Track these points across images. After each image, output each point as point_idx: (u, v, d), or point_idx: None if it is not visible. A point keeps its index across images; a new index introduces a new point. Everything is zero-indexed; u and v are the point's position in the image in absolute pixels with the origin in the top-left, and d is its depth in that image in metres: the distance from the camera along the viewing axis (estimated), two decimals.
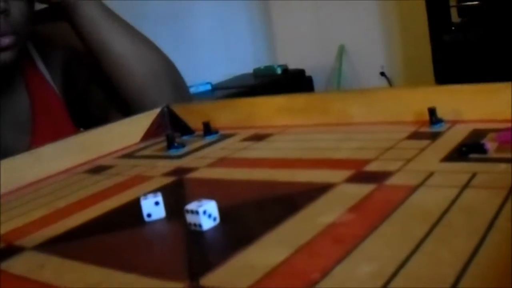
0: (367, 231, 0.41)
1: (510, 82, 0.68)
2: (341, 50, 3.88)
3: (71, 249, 0.50)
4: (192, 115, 0.93)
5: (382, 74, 3.80)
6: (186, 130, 0.91)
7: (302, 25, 3.99)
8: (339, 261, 0.37)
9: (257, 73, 3.69)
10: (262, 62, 3.85)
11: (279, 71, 3.63)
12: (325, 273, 0.35)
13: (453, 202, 0.44)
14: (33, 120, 1.14)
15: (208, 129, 0.86)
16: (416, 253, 0.36)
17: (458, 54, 2.84)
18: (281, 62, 3.86)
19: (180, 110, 0.95)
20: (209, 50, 3.57)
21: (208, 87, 3.34)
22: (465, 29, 2.82)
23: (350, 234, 0.41)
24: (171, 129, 0.92)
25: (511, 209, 0.41)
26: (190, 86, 3.07)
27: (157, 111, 0.95)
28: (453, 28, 2.86)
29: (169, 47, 1.22)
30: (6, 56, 1.00)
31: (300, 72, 3.74)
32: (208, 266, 0.40)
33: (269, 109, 0.86)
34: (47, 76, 1.18)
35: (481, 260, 0.34)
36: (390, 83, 3.76)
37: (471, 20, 2.84)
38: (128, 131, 0.92)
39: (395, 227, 0.41)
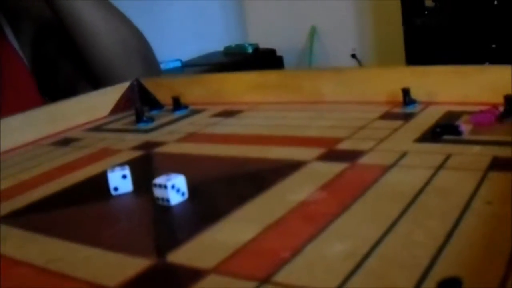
0: (339, 209, 0.40)
1: (483, 65, 0.68)
2: (313, 31, 3.86)
3: (34, 222, 0.49)
4: (162, 90, 0.91)
5: (353, 56, 3.79)
6: (155, 104, 0.89)
7: (275, 5, 3.96)
8: (310, 239, 0.36)
9: (227, 51, 3.66)
10: (233, 40, 3.83)
11: (249, 49, 3.60)
12: (295, 252, 0.34)
13: (427, 183, 0.43)
14: (0, 90, 1.11)
15: (177, 104, 0.84)
16: (390, 234, 0.35)
17: (429, 38, 2.84)
18: (252, 41, 3.83)
19: (150, 84, 0.93)
20: (179, 27, 3.54)
21: (178, 64, 3.31)
22: (438, 13, 2.82)
23: (321, 212, 0.40)
24: (140, 103, 0.91)
25: (487, 191, 0.40)
26: (160, 63, 3.06)
27: (126, 84, 0.94)
28: (426, 12, 2.86)
29: (139, 23, 1.20)
30: None
31: (271, 52, 3.72)
32: (175, 242, 0.39)
33: (240, 85, 0.84)
34: (16, 46, 1.16)
35: (456, 242, 0.33)
36: (360, 65, 3.76)
37: (443, 4, 2.84)
38: (97, 104, 0.90)
39: (368, 206, 0.40)
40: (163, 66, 3.12)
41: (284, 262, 0.33)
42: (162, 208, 0.46)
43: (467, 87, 0.67)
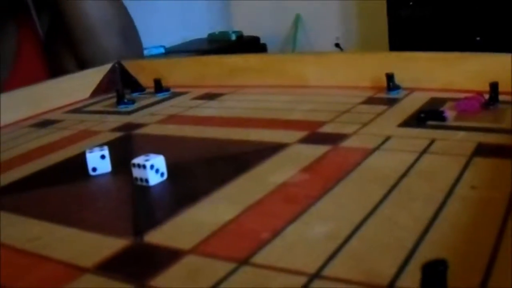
0: (321, 192, 0.39)
1: (468, 53, 0.68)
2: (297, 19, 3.86)
3: (12, 202, 0.48)
4: (143, 72, 0.90)
5: (337, 45, 3.79)
6: (137, 86, 0.88)
7: None
8: (291, 221, 0.35)
9: (211, 38, 3.65)
10: (217, 28, 3.81)
11: (233, 37, 3.59)
12: (275, 233, 0.34)
13: (411, 166, 0.42)
14: (15, 63, 1.14)
15: (159, 86, 0.83)
16: (373, 216, 0.34)
17: (414, 29, 2.84)
18: (236, 28, 3.82)
19: (131, 67, 0.92)
20: (163, 13, 3.52)
21: (161, 50, 3.30)
22: (423, 4, 2.82)
23: (303, 194, 0.39)
24: (121, 86, 0.89)
25: (472, 176, 0.39)
26: (143, 49, 3.05)
27: (108, 66, 0.93)
28: (410, 3, 2.86)
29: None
30: None
31: (255, 39, 3.71)
32: (153, 222, 0.38)
33: (223, 68, 0.83)
34: (37, 24, 1.19)
35: (441, 225, 0.32)
36: (343, 49, 3.76)
37: None
38: (77, 86, 0.89)
39: (351, 189, 0.40)
40: (146, 53, 3.11)
41: (264, 243, 0.33)
42: (141, 188, 0.45)
43: (452, 74, 0.67)
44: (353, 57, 0.75)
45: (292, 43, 3.80)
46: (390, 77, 0.68)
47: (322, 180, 0.41)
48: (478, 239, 0.31)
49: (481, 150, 0.45)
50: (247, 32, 3.72)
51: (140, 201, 0.44)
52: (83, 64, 1.06)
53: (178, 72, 0.87)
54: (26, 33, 1.16)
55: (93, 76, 0.92)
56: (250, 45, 3.63)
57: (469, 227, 0.32)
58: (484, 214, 0.34)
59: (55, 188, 0.50)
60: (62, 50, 1.15)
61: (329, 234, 0.33)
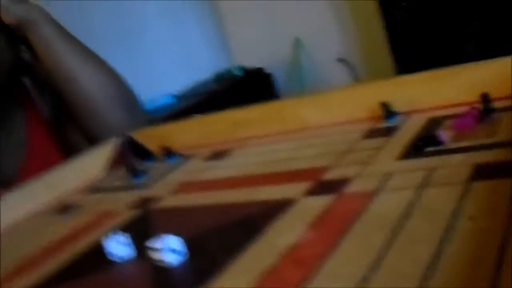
0: (328, 248, 0.41)
1: (457, 66, 0.69)
2: (297, 43, 3.88)
3: None
4: (151, 140, 0.92)
5: (341, 59, 3.81)
6: (147, 155, 0.90)
7: (255, 24, 3.99)
8: (301, 284, 0.37)
9: (217, 78, 3.69)
10: (221, 64, 3.85)
11: (239, 72, 3.63)
12: None
13: (411, 205, 0.44)
14: (28, 150, 1.17)
15: (168, 153, 0.85)
16: (378, 268, 0.36)
17: (411, 28, 2.86)
18: (240, 62, 3.86)
19: (139, 136, 0.94)
20: (167, 62, 3.56)
21: (171, 99, 3.33)
22: (416, 1, 2.84)
23: (311, 254, 0.41)
24: (132, 156, 0.92)
25: (470, 205, 0.41)
26: (154, 100, 3.08)
27: (116, 140, 0.95)
28: (403, 3, 2.87)
29: (125, 64, 1.23)
30: None
31: (260, 71, 3.74)
32: None
33: (226, 124, 0.85)
34: (42, 106, 1.22)
35: (442, 265, 0.34)
36: (349, 67, 3.78)
37: None
38: (90, 164, 0.92)
39: (355, 240, 0.41)
40: (156, 103, 3.14)
41: None
42: (162, 270, 0.47)
43: (445, 91, 0.68)
44: (347, 90, 0.77)
45: (297, 68, 3.83)
46: (385, 105, 0.70)
47: (328, 235, 0.43)
48: (476, 274, 0.32)
49: (479, 173, 0.47)
50: (251, 63, 3.76)
51: (162, 283, 0.45)
52: (91, 141, 1.09)
53: (183, 134, 0.90)
54: (32, 117, 1.19)
55: (103, 153, 0.94)
56: (256, 77, 3.67)
57: (467, 263, 0.34)
58: (482, 245, 0.35)
59: (79, 281, 0.52)
60: (69, 129, 1.17)
61: None
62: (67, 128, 1.18)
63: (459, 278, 0.32)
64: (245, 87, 3.52)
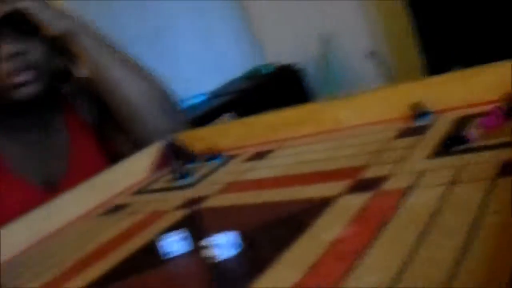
0: (366, 243, 0.45)
1: (483, 65, 0.73)
2: (326, 38, 3.91)
3: None
4: (194, 142, 0.97)
5: (370, 54, 3.84)
6: (190, 157, 0.95)
7: (284, 20, 4.02)
8: (343, 277, 0.41)
9: (247, 75, 3.73)
10: (251, 62, 3.89)
11: (269, 70, 3.67)
12: None
13: (442, 200, 0.48)
14: (70, 155, 1.22)
15: (211, 154, 0.90)
16: (412, 260, 0.40)
17: (438, 18, 2.88)
18: (270, 59, 3.89)
19: (182, 139, 0.99)
20: (198, 61, 3.61)
21: (203, 97, 3.38)
22: None
23: (351, 249, 0.45)
24: (175, 159, 0.97)
25: (496, 200, 0.45)
26: (185, 100, 3.12)
27: (159, 144, 1.00)
28: None
29: (156, 64, 1.28)
30: (28, 90, 1.11)
31: (289, 67, 3.78)
32: None
33: (265, 126, 0.90)
34: (82, 114, 1.28)
35: (470, 258, 0.38)
36: (379, 60, 3.80)
37: None
38: (136, 167, 0.97)
39: (391, 235, 0.46)
40: (189, 103, 3.19)
41: None
42: (214, 266, 0.52)
43: (472, 90, 0.72)
44: (380, 92, 0.81)
45: (326, 63, 3.85)
46: (416, 106, 0.74)
47: (367, 230, 0.47)
48: (500, 266, 0.36)
49: (505, 170, 0.51)
50: (280, 60, 3.78)
51: (216, 278, 0.50)
52: (136, 145, 1.14)
53: (224, 136, 0.94)
54: (72, 122, 1.26)
55: (148, 155, 0.99)
56: (286, 73, 3.69)
57: (492, 255, 0.38)
58: (504, 239, 0.39)
59: (137, 277, 0.57)
60: (114, 134, 1.23)
61: (376, 283, 0.39)
62: (116, 138, 1.24)
63: (484, 270, 0.36)
64: (275, 84, 3.56)
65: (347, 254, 0.45)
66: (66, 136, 1.23)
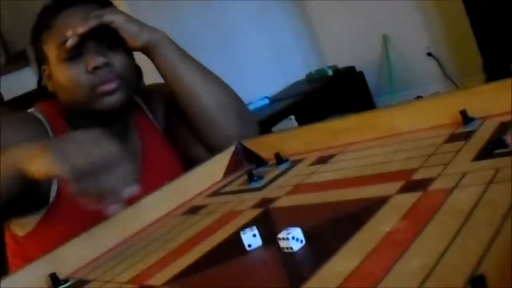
0: (416, 234, 0.54)
1: None
2: (386, 39, 3.97)
3: (190, 284, 0.66)
4: (262, 147, 1.07)
5: (429, 54, 3.89)
6: (260, 162, 1.05)
7: (344, 23, 4.09)
8: (396, 260, 0.51)
9: (309, 78, 3.79)
10: (313, 65, 3.95)
11: (330, 72, 3.73)
12: (387, 272, 0.49)
13: (480, 198, 0.57)
14: (143, 157, 1.32)
15: (279, 159, 1.00)
16: (451, 246, 0.50)
17: (495, 21, 2.92)
18: (330, 62, 3.97)
19: (251, 144, 1.09)
20: (261, 65, 3.69)
21: (266, 101, 3.47)
22: None
23: (403, 238, 0.55)
24: (246, 163, 1.07)
25: None
26: (249, 103, 3.22)
27: (232, 149, 1.10)
28: None
29: (220, 68, 1.36)
30: (115, 98, 1.20)
31: (351, 69, 3.85)
32: (302, 279, 0.55)
33: (328, 132, 0.99)
34: (152, 119, 1.38)
35: (496, 246, 0.47)
36: (438, 61, 3.85)
37: None
38: (211, 171, 1.07)
39: (436, 227, 0.55)
40: (252, 106, 3.29)
41: (380, 280, 0.48)
42: (288, 255, 0.62)
43: None
44: (431, 101, 0.90)
45: (386, 66, 3.91)
46: (463, 113, 0.82)
47: (416, 224, 0.57)
48: None
49: None
50: (342, 63, 3.85)
51: (289, 264, 0.60)
52: (208, 148, 1.24)
53: (291, 142, 1.04)
54: (144, 128, 1.35)
55: (221, 159, 1.09)
56: (347, 76, 3.75)
57: None
58: None
59: (221, 265, 0.68)
60: (187, 138, 1.31)
61: (422, 266, 0.48)
62: (184, 137, 1.33)
63: (508, 255, 0.46)
64: (337, 86, 3.63)
65: (400, 242, 0.54)
66: (139, 142, 1.33)
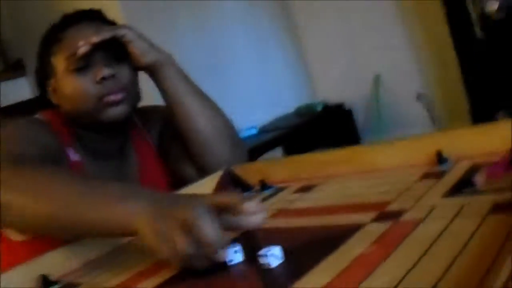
0: (384, 256, 0.61)
1: (500, 121, 0.87)
2: (377, 80, 4.01)
3: None
4: (249, 173, 1.13)
5: (419, 96, 3.94)
6: (245, 187, 1.10)
7: (338, 61, 4.13)
8: (364, 279, 0.57)
9: (298, 112, 3.82)
10: (303, 99, 3.98)
11: (319, 108, 3.76)
12: None
13: (444, 229, 0.64)
14: (140, 173, 1.35)
15: (264, 185, 1.05)
16: (414, 268, 0.56)
17: (485, 66, 2.98)
18: (321, 97, 4.00)
19: (239, 170, 1.15)
20: (251, 95, 3.71)
21: (254, 131, 3.49)
22: (488, 42, 2.96)
23: (372, 260, 0.61)
24: (232, 187, 1.12)
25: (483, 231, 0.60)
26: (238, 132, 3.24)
27: (219, 173, 1.15)
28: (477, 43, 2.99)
29: (213, 96, 1.39)
30: (119, 109, 1.23)
31: (340, 106, 3.89)
32: None
33: (312, 163, 1.06)
34: (147, 137, 1.41)
35: (455, 269, 0.53)
36: (427, 106, 3.91)
37: (492, 34, 2.96)
38: (199, 192, 1.10)
39: (403, 252, 0.61)
40: (240, 135, 3.31)
41: None
42: (267, 270, 0.68)
43: (489, 141, 0.87)
44: (410, 141, 0.96)
45: (375, 106, 3.95)
46: (439, 154, 0.89)
47: (385, 248, 0.63)
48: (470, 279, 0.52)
49: (496, 209, 0.66)
50: (332, 98, 3.88)
51: (267, 278, 0.66)
52: (199, 170, 1.28)
53: (278, 170, 1.10)
54: (141, 148, 1.38)
55: (209, 182, 1.15)
56: (336, 113, 3.79)
57: (468, 271, 0.53)
58: (480, 259, 0.55)
59: (201, 279, 0.73)
60: (180, 159, 1.34)
61: (386, 283, 0.54)
62: (177, 158, 1.36)
63: (467, 277, 0.52)
64: (325, 122, 3.67)
65: (368, 263, 0.60)
66: (136, 161, 1.36)
